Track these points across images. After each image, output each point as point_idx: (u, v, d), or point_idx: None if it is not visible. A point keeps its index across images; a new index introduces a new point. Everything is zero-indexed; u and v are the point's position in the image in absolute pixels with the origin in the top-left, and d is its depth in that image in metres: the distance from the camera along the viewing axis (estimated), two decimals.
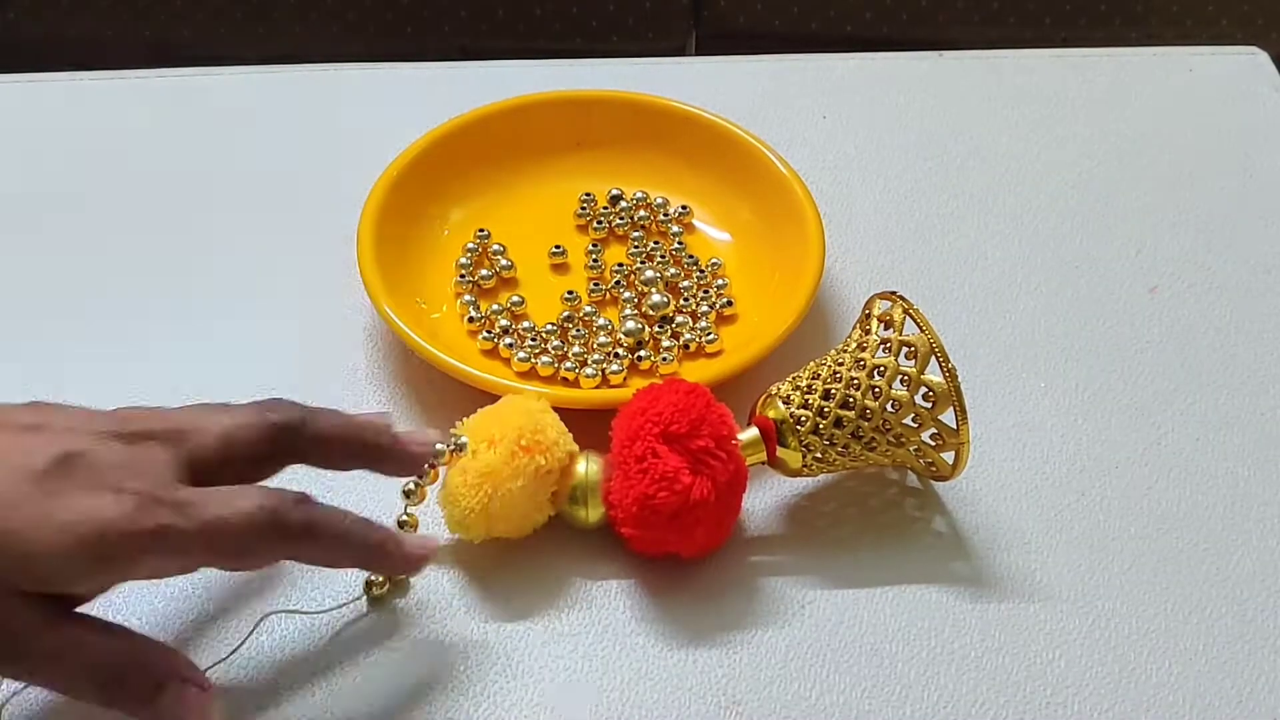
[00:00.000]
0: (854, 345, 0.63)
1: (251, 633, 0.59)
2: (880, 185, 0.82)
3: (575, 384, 0.69)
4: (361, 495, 0.64)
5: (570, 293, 0.73)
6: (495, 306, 0.72)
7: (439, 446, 0.61)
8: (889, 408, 0.61)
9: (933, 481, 0.66)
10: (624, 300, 0.73)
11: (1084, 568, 0.63)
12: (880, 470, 0.66)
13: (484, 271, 0.74)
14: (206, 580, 0.61)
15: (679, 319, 0.72)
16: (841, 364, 0.62)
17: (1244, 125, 0.86)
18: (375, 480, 0.61)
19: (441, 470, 0.62)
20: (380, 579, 0.61)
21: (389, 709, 0.58)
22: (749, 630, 0.61)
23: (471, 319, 0.71)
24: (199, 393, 0.61)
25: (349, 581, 0.61)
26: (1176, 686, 0.59)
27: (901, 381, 0.62)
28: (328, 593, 0.61)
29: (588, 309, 0.72)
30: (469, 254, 0.74)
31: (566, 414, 0.63)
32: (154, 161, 0.82)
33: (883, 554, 0.63)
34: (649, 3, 1.35)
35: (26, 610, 0.50)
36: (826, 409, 0.62)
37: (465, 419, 0.62)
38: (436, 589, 0.62)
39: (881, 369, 0.62)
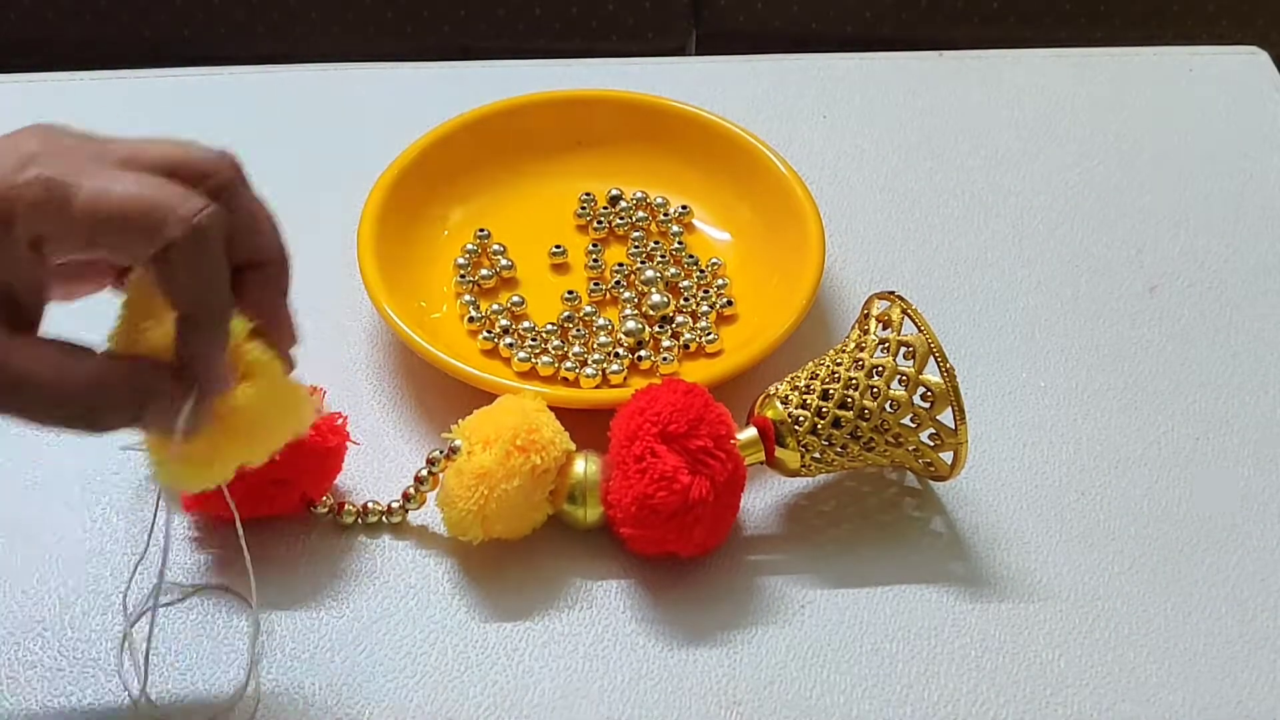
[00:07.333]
0: (852, 345, 0.63)
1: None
2: (880, 185, 0.82)
3: (575, 384, 0.69)
4: (361, 492, 0.65)
5: (570, 293, 0.73)
6: (495, 306, 0.72)
7: (435, 453, 0.61)
8: (887, 408, 0.61)
9: (931, 481, 0.66)
10: (624, 300, 0.73)
11: (1084, 567, 0.63)
12: (879, 470, 0.66)
13: (484, 271, 0.74)
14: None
15: (679, 319, 0.72)
16: (840, 364, 0.62)
17: (1244, 125, 0.86)
18: (376, 481, 0.61)
19: (440, 474, 0.62)
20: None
21: (390, 709, 0.58)
22: (749, 630, 0.61)
23: (471, 319, 0.71)
24: None
25: None
26: (1176, 686, 0.59)
27: (900, 381, 0.62)
28: None
29: (588, 309, 0.72)
30: (469, 254, 0.74)
31: (566, 414, 0.63)
32: None
33: (882, 554, 0.63)
34: (649, 3, 1.35)
35: None
36: (825, 409, 0.62)
37: (461, 421, 0.62)
38: (437, 589, 0.62)
39: (880, 369, 0.62)
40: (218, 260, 0.49)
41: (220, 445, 0.52)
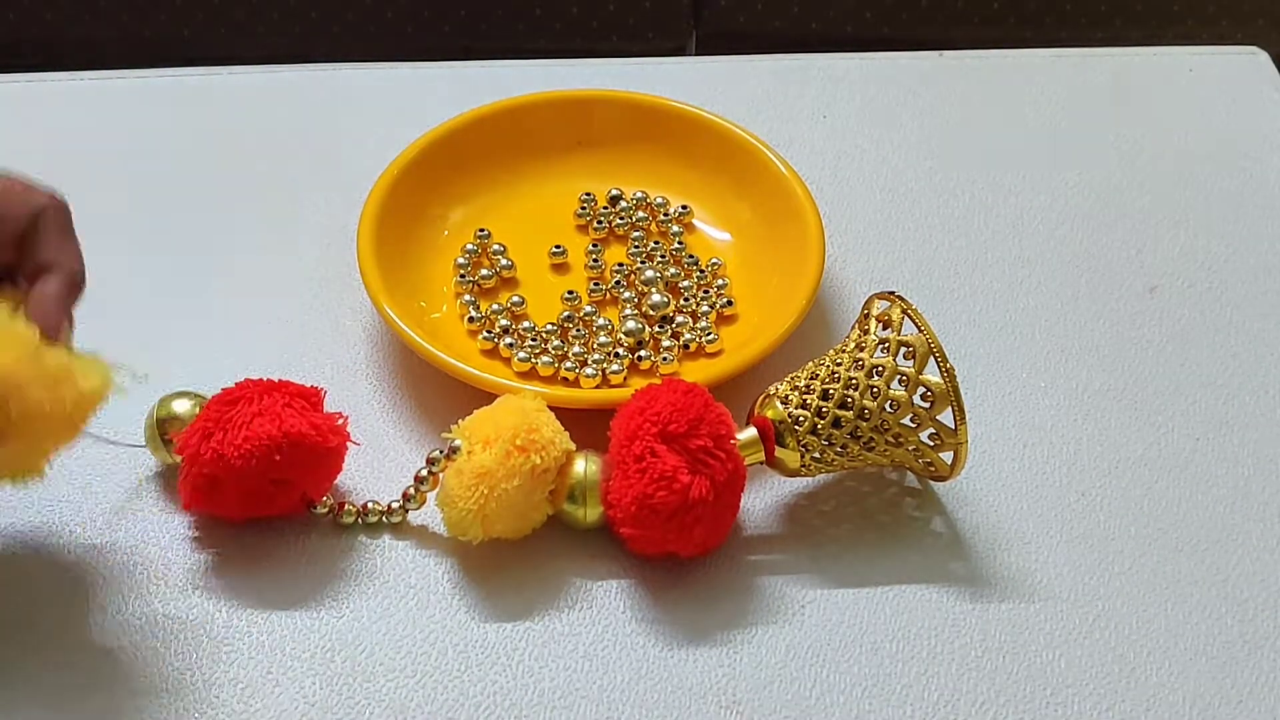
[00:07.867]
0: (852, 345, 0.63)
1: None
2: (880, 185, 0.82)
3: (575, 384, 0.69)
4: (361, 493, 0.65)
5: (570, 293, 0.73)
6: (495, 306, 0.72)
7: (435, 453, 0.61)
8: (887, 408, 0.61)
9: (931, 481, 0.66)
10: (624, 300, 0.73)
11: (1084, 568, 0.63)
12: (879, 470, 0.66)
13: (484, 271, 0.74)
14: None
15: (679, 319, 0.72)
16: (840, 364, 0.62)
17: (1244, 125, 0.86)
18: (376, 481, 0.61)
19: (440, 474, 0.62)
20: None
21: (390, 708, 0.58)
22: (749, 630, 0.61)
23: (471, 319, 0.71)
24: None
25: None
26: (1176, 686, 0.59)
27: (900, 382, 0.62)
28: None
29: (588, 309, 0.72)
30: (469, 254, 0.74)
31: (566, 414, 0.63)
32: (154, 161, 0.82)
33: (882, 554, 0.63)
34: (649, 3, 1.35)
35: None
36: (825, 409, 0.62)
37: (461, 421, 0.62)
38: (437, 589, 0.62)
39: (880, 369, 0.62)
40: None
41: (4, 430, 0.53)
